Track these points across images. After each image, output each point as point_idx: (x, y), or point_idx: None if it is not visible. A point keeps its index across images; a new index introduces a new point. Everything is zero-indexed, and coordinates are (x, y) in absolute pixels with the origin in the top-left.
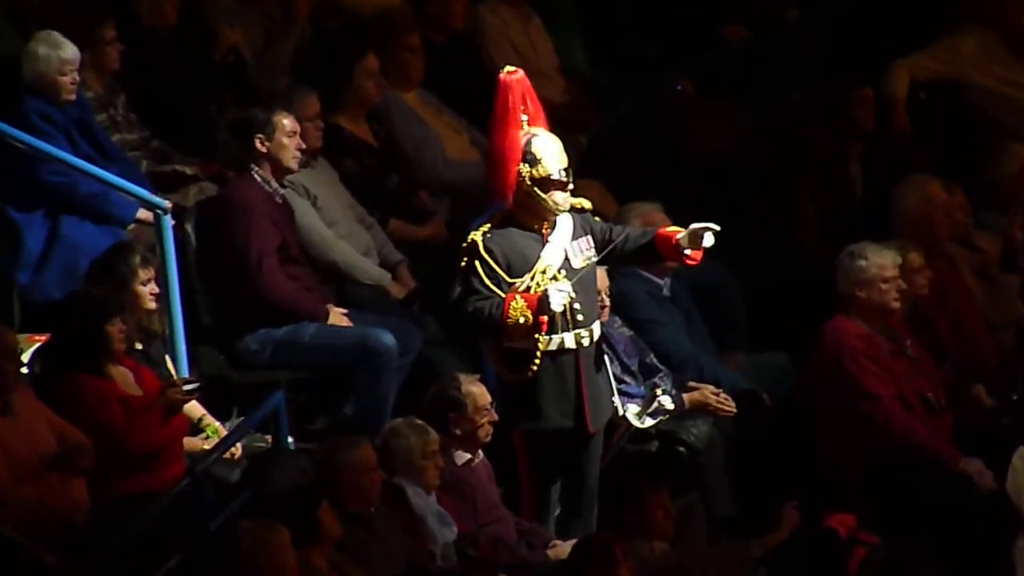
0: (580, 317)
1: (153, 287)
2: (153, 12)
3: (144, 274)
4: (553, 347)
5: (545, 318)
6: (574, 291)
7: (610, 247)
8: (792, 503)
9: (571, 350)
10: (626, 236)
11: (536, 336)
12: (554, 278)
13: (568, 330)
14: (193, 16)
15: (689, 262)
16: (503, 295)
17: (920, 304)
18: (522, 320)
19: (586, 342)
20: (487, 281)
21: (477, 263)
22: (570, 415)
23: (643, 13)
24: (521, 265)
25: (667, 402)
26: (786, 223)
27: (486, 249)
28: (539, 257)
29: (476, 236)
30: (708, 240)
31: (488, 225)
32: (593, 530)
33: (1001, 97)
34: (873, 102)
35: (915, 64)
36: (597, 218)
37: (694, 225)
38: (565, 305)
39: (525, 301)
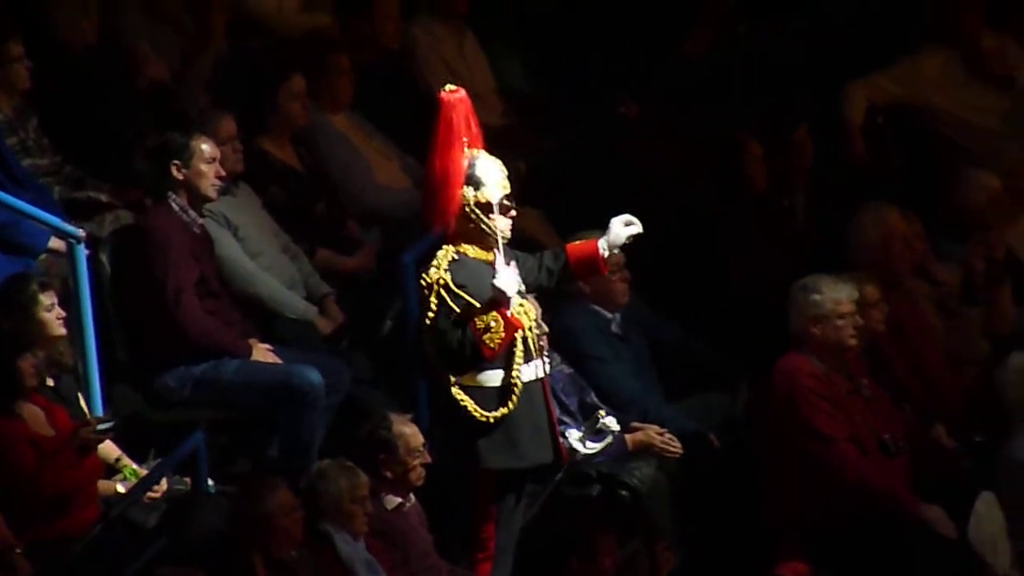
0: (542, 343)
1: (59, 311)
2: (70, 29)
3: (46, 299)
4: (528, 377)
5: (511, 314)
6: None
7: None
8: (663, 543)
9: (539, 380)
10: (540, 261)
11: (513, 338)
12: (521, 304)
13: (537, 357)
14: (112, 37)
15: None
16: None
17: (877, 340)
18: (493, 324)
19: (547, 369)
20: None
21: (449, 299)
22: (548, 448)
23: (585, 28)
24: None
25: (611, 423)
26: (730, 253)
27: (457, 284)
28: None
29: (440, 273)
30: (633, 230)
31: (447, 258)
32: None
33: (964, 122)
34: (809, 144)
35: (873, 86)
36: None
37: (616, 220)
38: (523, 313)
39: (480, 307)
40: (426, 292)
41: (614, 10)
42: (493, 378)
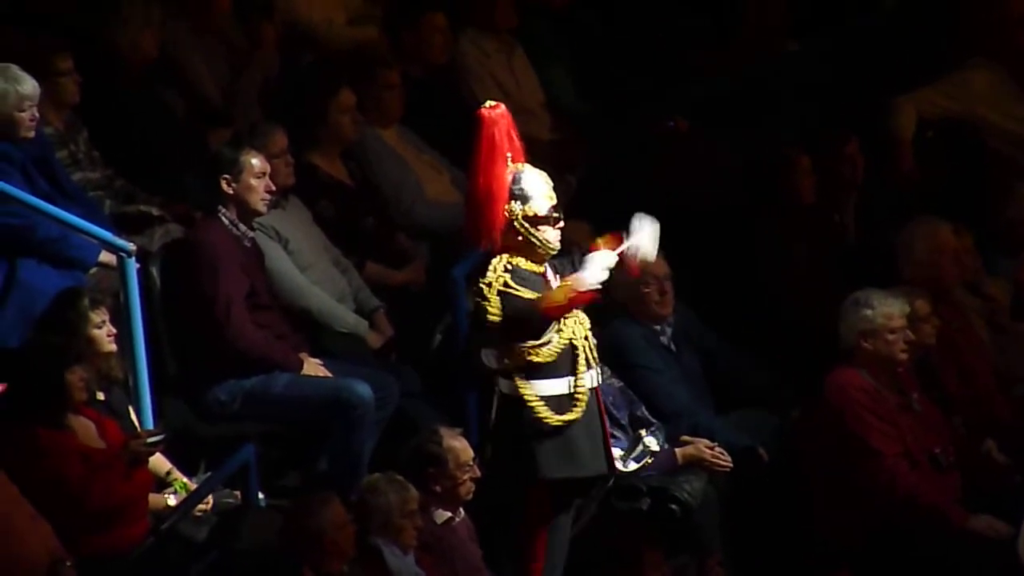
0: (596, 353)
1: (109, 328)
2: (133, 46)
3: (96, 316)
4: (586, 386)
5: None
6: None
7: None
8: (715, 559)
9: (593, 389)
10: (575, 266)
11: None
12: (575, 315)
13: (592, 367)
14: (167, 52)
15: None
16: None
17: (928, 355)
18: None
19: (600, 379)
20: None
21: (512, 292)
22: (602, 459)
23: (633, 44)
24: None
25: (652, 443)
26: (779, 267)
27: (517, 284)
28: None
29: (499, 274)
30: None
31: (502, 264)
32: None
33: (1014, 136)
34: (860, 158)
35: (923, 100)
36: None
37: (641, 221)
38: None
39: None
40: (485, 293)
41: (661, 23)
42: (557, 386)
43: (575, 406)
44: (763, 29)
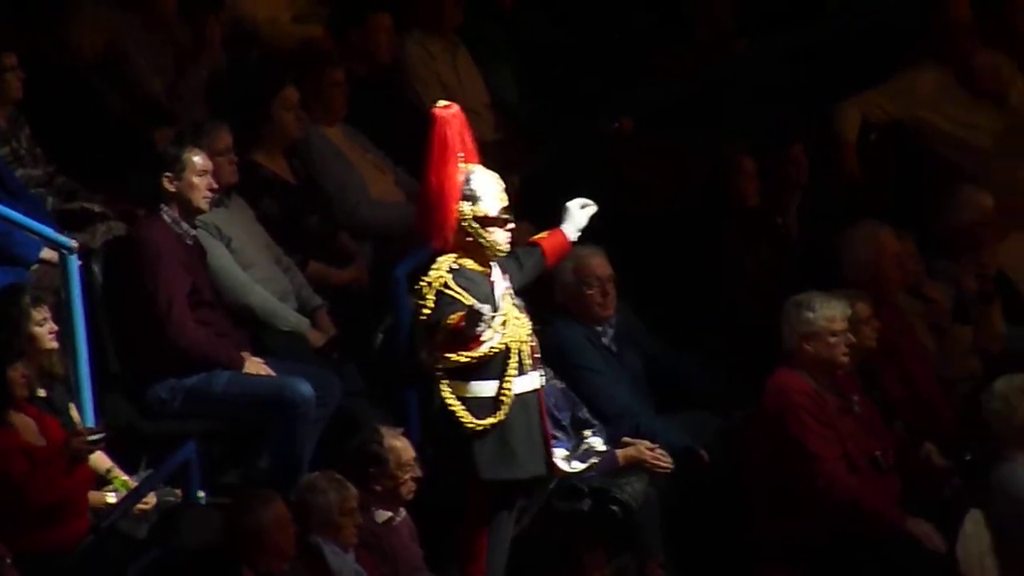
0: (538, 355)
1: (51, 325)
2: (78, 42)
3: (38, 314)
4: (524, 389)
5: (479, 333)
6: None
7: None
8: (656, 561)
9: (534, 391)
10: (519, 261)
11: (469, 353)
12: (517, 317)
13: (532, 369)
14: (114, 51)
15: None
16: None
17: (869, 358)
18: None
19: (543, 381)
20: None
21: (450, 293)
22: (541, 460)
23: (578, 44)
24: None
25: (597, 443)
26: (722, 269)
27: (459, 286)
28: (499, 300)
29: (441, 274)
30: (590, 210)
31: (447, 263)
32: None
33: (957, 140)
34: (804, 159)
35: (867, 103)
36: None
37: (572, 204)
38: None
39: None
40: (425, 291)
41: (607, 24)
42: (486, 388)
43: (499, 410)
44: (716, 31)
